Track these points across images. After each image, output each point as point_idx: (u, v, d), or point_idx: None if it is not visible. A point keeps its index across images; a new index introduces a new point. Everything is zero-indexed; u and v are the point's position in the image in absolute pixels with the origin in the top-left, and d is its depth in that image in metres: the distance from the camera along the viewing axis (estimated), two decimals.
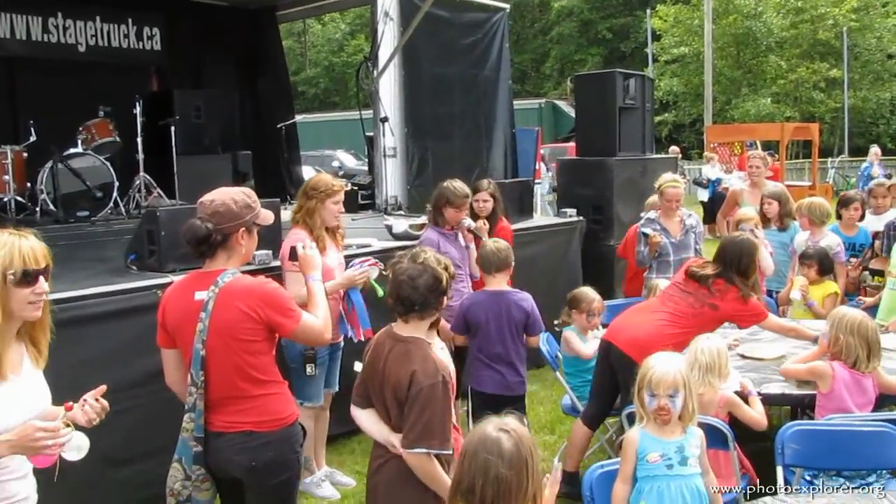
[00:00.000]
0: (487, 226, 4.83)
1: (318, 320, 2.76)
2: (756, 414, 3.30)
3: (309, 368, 3.86)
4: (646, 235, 5.36)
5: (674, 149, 16.05)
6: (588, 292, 4.55)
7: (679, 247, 5.39)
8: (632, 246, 5.72)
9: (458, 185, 4.65)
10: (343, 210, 4.03)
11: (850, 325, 3.35)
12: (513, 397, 3.86)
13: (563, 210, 7.17)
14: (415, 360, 2.46)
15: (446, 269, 2.59)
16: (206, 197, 2.77)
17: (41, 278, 1.97)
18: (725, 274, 3.78)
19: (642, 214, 5.67)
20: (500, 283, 4.02)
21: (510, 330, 3.94)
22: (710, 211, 12.90)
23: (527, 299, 4.01)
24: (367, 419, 2.59)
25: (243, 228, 2.76)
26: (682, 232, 5.44)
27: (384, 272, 3.53)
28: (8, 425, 1.98)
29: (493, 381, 3.90)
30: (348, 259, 4.15)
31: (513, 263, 4.09)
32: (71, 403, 2.17)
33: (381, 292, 3.89)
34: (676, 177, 5.58)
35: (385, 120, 7.56)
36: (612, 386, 3.87)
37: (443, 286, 2.55)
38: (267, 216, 2.84)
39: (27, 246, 1.96)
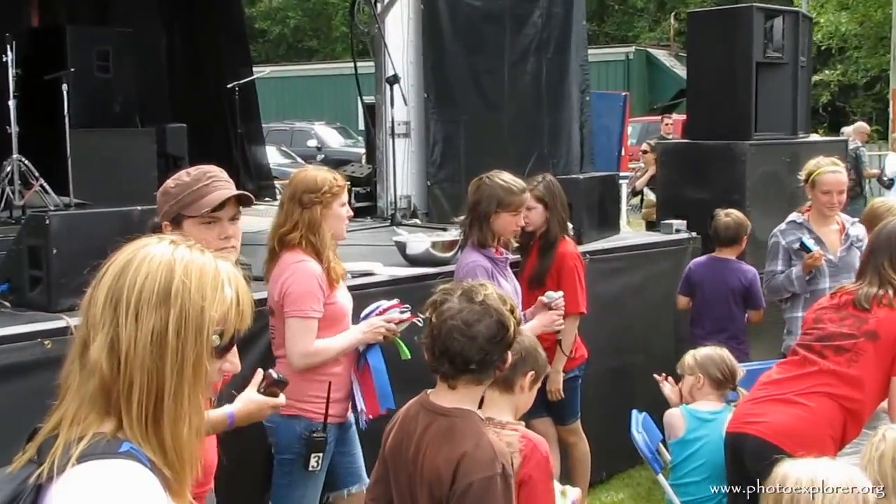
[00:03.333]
0: (559, 296, 4.65)
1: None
2: None
3: (314, 461, 3.94)
4: (804, 249, 5.44)
5: (860, 126, 15.56)
6: (717, 355, 4.64)
7: (839, 269, 5.45)
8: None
9: (507, 177, 4.71)
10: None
11: None
12: None
13: (666, 222, 7.19)
14: (462, 442, 2.56)
15: (512, 311, 2.70)
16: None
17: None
18: (881, 273, 3.97)
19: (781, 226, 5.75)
20: (726, 254, 6.09)
21: (729, 297, 5.96)
22: None
23: (750, 271, 6.01)
24: None
25: (167, 222, 3.01)
26: (845, 246, 5.51)
27: (419, 322, 3.61)
28: None
29: None
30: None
31: (745, 237, 6.09)
32: None
33: (406, 353, 4.00)
34: (835, 160, 5.66)
35: (394, 80, 7.65)
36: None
37: (510, 336, 2.66)
38: (206, 202, 2.99)
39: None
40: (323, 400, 3.93)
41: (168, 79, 10.00)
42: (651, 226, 10.22)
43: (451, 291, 2.71)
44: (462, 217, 4.88)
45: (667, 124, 13.60)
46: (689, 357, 4.70)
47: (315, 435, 3.93)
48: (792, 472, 2.69)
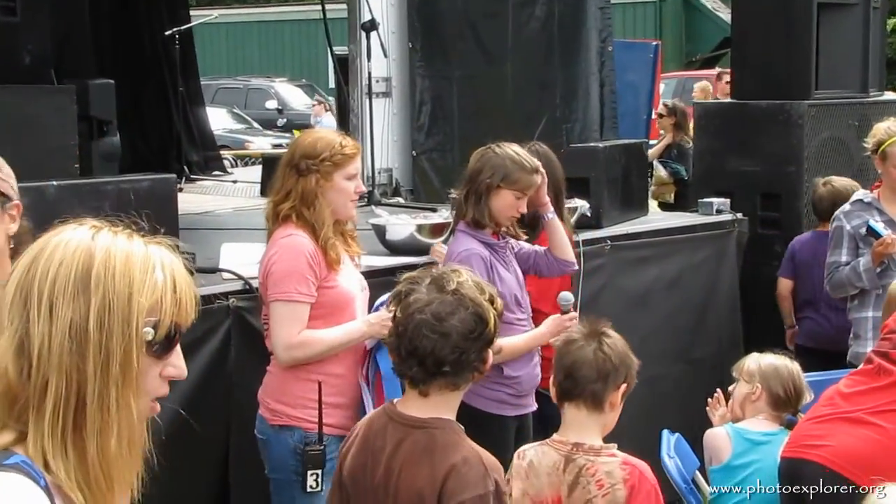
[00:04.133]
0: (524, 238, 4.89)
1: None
2: None
3: (312, 479, 3.97)
4: (872, 234, 5.47)
5: None
6: (786, 368, 4.65)
7: None
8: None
9: (520, 151, 4.75)
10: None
11: None
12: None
13: (706, 201, 7.21)
14: (447, 458, 2.66)
15: (492, 301, 2.78)
16: None
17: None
18: None
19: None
20: (826, 228, 6.08)
21: None
22: None
23: None
24: None
25: None
26: None
27: None
28: None
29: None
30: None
31: None
32: None
33: None
34: None
35: (371, 26, 7.66)
36: None
37: (489, 331, 2.74)
38: None
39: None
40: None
41: (91, 25, 9.96)
42: (665, 207, 10.21)
43: (419, 280, 2.79)
44: (455, 192, 4.90)
45: (725, 82, 13.37)
46: (752, 361, 4.71)
47: (310, 449, 3.98)
48: None
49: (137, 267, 1.70)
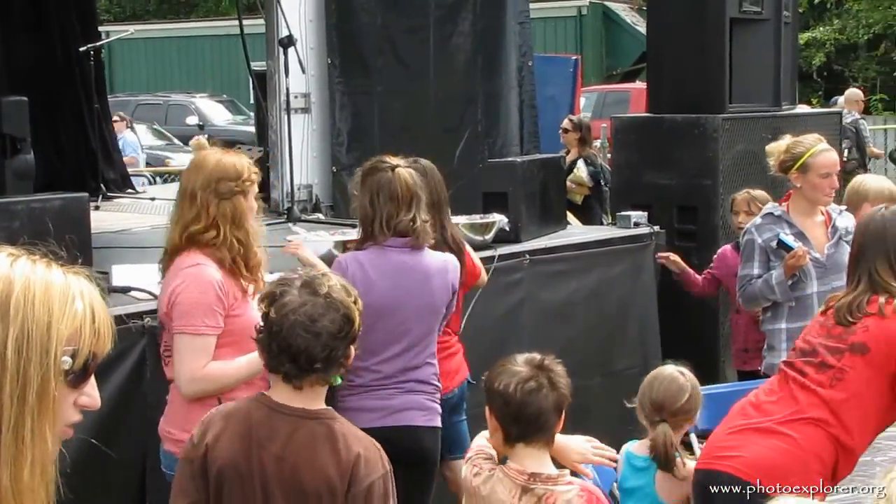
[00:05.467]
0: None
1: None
2: None
3: None
4: (783, 247, 5.54)
5: (853, 94, 15.63)
6: (672, 381, 4.59)
7: (827, 269, 5.57)
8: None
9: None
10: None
11: None
12: None
13: (624, 214, 7.30)
14: (352, 444, 2.94)
15: (356, 302, 3.05)
16: None
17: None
18: (872, 277, 4.02)
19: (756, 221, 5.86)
20: None
21: None
22: None
23: None
24: None
25: None
26: (832, 241, 5.62)
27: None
28: None
29: None
30: None
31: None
32: None
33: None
34: (820, 136, 5.78)
35: (289, 42, 7.66)
36: None
37: (355, 331, 3.01)
38: None
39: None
40: None
41: (2, 41, 9.82)
42: (574, 208, 10.16)
43: (291, 282, 2.98)
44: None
45: None
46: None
47: None
48: None
49: (57, 296, 1.69)
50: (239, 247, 4.04)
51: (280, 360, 2.94)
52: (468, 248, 5.33)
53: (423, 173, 4.88)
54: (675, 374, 4.46)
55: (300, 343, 2.89)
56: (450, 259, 4.77)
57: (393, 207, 4.52)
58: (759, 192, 6.56)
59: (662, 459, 4.28)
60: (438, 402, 4.83)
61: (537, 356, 3.45)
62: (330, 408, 3.07)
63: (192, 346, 3.93)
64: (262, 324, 3.02)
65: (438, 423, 4.82)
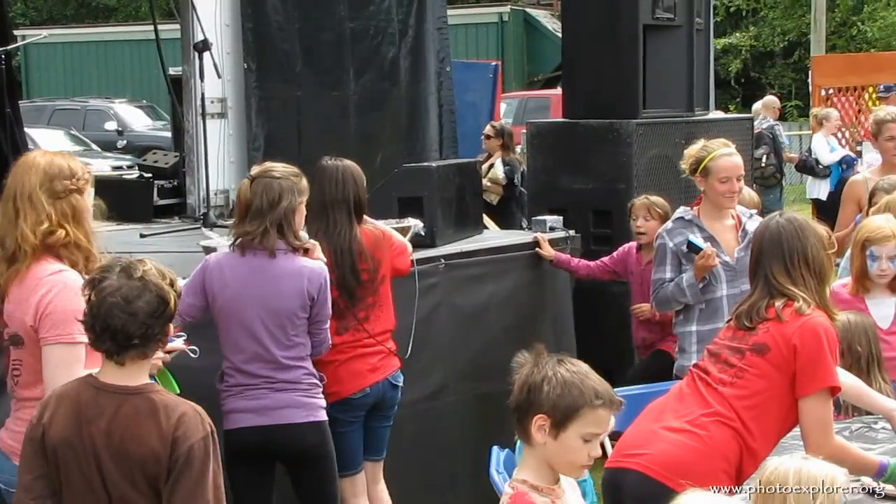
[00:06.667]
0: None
1: None
2: None
3: None
4: (693, 250, 5.61)
5: (770, 101, 15.69)
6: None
7: (737, 272, 5.65)
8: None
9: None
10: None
11: None
12: None
13: (539, 218, 7.33)
14: (170, 414, 3.19)
15: (172, 284, 3.28)
16: None
17: None
18: (769, 282, 4.12)
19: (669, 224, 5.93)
20: None
21: None
22: (834, 217, 12.75)
23: None
24: None
25: None
26: (742, 244, 5.70)
27: (192, 353, 4.07)
28: None
29: None
30: None
31: None
32: None
33: (175, 387, 4.02)
34: (726, 141, 5.88)
35: (204, 46, 7.60)
36: None
37: (170, 310, 3.25)
38: None
39: None
40: None
41: None
42: (492, 211, 10.24)
43: (110, 269, 3.22)
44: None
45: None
46: None
47: None
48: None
49: None
50: (86, 247, 3.95)
51: (102, 339, 3.19)
52: (389, 231, 5.50)
53: (313, 175, 5.12)
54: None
55: (117, 322, 3.14)
56: (308, 266, 4.82)
57: (238, 217, 4.87)
58: (657, 198, 6.75)
59: None
60: (319, 397, 4.93)
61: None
62: (152, 381, 3.35)
63: (69, 356, 3.78)
64: (86, 307, 3.24)
65: (321, 417, 4.92)
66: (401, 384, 5.39)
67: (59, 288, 3.82)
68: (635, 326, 6.92)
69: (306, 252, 4.86)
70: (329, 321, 4.94)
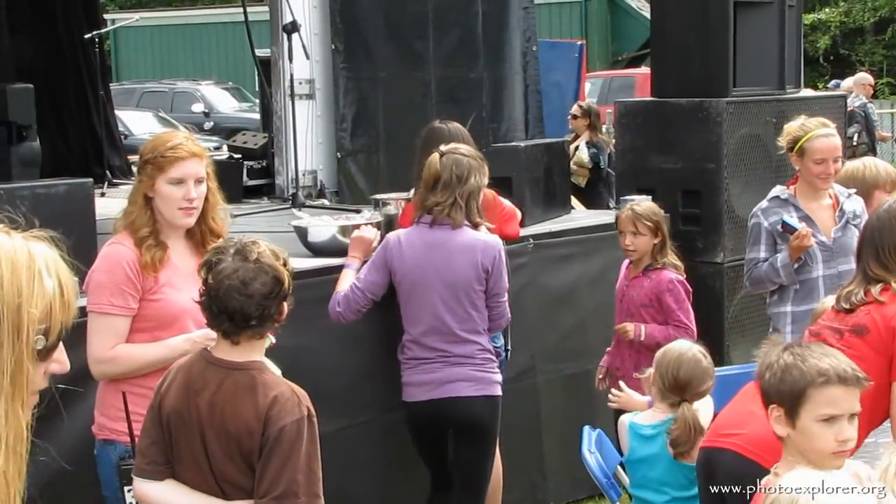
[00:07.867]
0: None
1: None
2: None
3: (130, 496, 3.74)
4: (787, 230, 5.55)
5: (862, 78, 15.35)
6: (696, 363, 4.57)
7: (834, 253, 5.59)
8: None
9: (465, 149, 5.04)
10: (211, 195, 4.05)
11: None
12: None
13: (627, 198, 7.25)
14: (267, 392, 3.23)
15: (285, 264, 3.34)
16: None
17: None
18: (866, 272, 4.15)
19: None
20: None
21: None
22: None
23: None
24: (170, 494, 3.32)
25: None
26: (839, 224, 5.63)
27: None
28: None
29: None
30: None
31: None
32: None
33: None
34: (824, 120, 5.78)
35: (293, 28, 7.67)
36: None
37: (285, 289, 3.31)
38: None
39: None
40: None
41: (9, 29, 9.85)
42: (580, 192, 10.23)
43: (225, 251, 3.28)
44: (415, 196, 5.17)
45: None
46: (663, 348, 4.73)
47: (124, 464, 3.80)
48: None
49: (24, 273, 1.66)
50: (134, 225, 3.92)
51: (220, 320, 3.26)
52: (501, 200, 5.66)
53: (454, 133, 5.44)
54: (699, 355, 4.58)
55: (235, 305, 3.20)
56: (482, 239, 5.01)
57: (425, 189, 5.01)
58: (645, 208, 5.92)
59: (683, 440, 4.39)
60: (494, 371, 5.10)
61: None
62: (260, 359, 3.36)
63: (98, 326, 3.84)
64: (203, 288, 3.30)
65: (493, 392, 5.08)
66: None
67: (101, 260, 3.94)
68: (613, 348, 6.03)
69: (475, 227, 5.03)
70: (506, 294, 5.12)
